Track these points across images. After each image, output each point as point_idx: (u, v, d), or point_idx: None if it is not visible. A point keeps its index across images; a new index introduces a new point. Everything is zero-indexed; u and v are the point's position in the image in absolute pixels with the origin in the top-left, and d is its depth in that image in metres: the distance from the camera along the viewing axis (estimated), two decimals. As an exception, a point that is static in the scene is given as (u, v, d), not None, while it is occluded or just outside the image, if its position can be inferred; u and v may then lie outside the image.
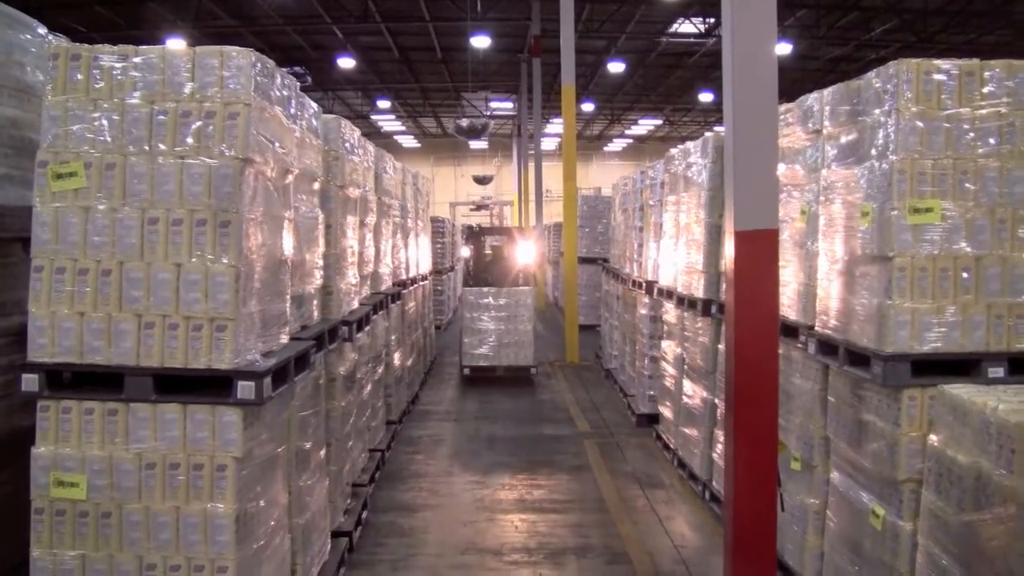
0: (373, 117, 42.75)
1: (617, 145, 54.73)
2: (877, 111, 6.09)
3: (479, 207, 49.29)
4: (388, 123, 45.68)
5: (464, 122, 30.78)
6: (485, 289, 17.02)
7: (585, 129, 49.17)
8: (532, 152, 31.10)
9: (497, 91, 35.17)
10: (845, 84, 6.65)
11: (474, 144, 44.27)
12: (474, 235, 20.33)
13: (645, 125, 47.88)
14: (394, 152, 18.08)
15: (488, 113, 31.77)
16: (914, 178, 5.79)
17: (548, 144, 42.01)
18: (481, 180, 48.99)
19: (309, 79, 28.13)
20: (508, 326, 16.72)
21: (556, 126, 38.92)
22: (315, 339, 6.88)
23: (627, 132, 50.88)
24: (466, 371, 16.84)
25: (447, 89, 36.85)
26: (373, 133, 44.64)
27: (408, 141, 52.05)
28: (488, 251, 21.14)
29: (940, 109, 5.82)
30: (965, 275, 5.83)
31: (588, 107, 39.70)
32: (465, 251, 19.82)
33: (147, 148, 5.33)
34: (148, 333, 5.27)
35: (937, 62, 5.88)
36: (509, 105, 35.95)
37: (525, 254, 18.64)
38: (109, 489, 5.26)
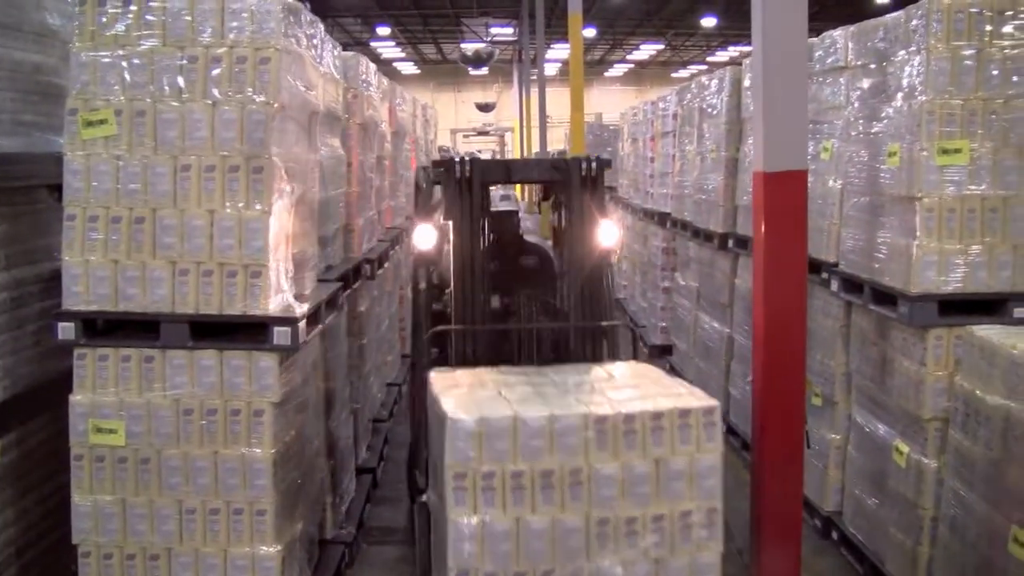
0: (372, 44, 42.23)
1: (618, 70, 54.15)
2: (904, 50, 6.05)
3: (480, 133, 48.39)
4: (388, 50, 45.13)
5: (469, 50, 30.37)
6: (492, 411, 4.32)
7: (586, 54, 47.94)
8: (534, 77, 30.73)
9: (498, 17, 34.74)
10: (871, 21, 6.60)
11: (474, 70, 43.79)
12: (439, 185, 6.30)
13: (647, 50, 47.33)
14: (394, 79, 17.71)
15: (488, 39, 31.36)
16: (942, 118, 5.77)
17: (549, 69, 41.57)
18: (484, 107, 48.26)
19: (308, 5, 27.77)
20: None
21: (557, 51, 38.50)
22: (341, 279, 6.92)
23: (628, 57, 50.31)
24: None
25: (447, 15, 36.39)
26: (373, 60, 44.08)
27: (408, 68, 51.48)
28: (500, 238, 6.72)
29: (970, 48, 5.77)
30: (992, 215, 5.84)
31: (589, 32, 39.17)
32: (421, 238, 6.33)
33: (177, 94, 5.29)
34: (183, 280, 5.29)
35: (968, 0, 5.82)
36: (510, 31, 35.54)
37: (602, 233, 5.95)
38: (147, 435, 5.31)
